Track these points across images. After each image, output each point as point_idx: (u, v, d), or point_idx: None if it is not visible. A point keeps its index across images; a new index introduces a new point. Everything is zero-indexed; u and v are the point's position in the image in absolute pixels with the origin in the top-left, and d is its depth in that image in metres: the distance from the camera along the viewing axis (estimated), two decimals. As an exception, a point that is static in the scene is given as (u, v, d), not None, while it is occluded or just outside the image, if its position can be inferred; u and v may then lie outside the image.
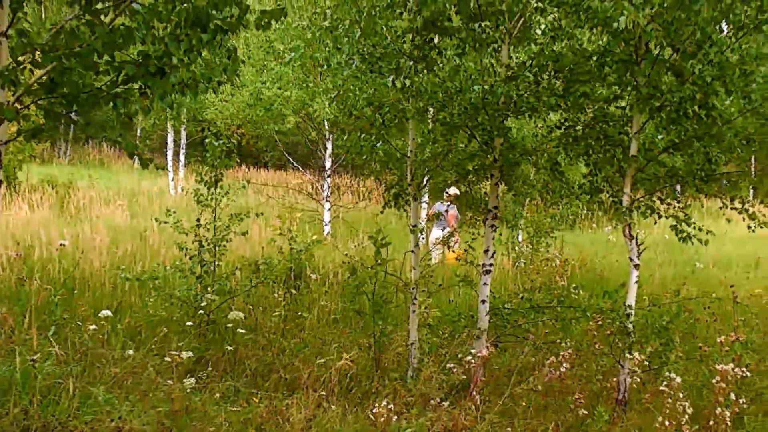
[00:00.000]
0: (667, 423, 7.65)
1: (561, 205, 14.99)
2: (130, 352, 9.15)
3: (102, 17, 6.18)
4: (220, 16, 6.56)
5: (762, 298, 13.55)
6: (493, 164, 9.33)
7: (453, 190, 15.68)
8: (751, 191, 35.02)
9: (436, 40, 9.23)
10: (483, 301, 9.54)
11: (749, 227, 9.50)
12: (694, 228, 9.48)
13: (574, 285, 13.44)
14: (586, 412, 8.25)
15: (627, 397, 8.98)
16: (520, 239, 16.79)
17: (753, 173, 38.26)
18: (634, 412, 8.61)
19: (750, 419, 8.35)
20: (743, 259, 19.22)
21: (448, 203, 16.95)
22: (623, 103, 9.44)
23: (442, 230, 17.17)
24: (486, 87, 8.36)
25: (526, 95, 8.80)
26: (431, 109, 9.65)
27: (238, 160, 28.36)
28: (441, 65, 9.16)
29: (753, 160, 37.87)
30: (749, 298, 13.48)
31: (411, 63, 9.04)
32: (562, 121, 9.67)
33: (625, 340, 9.09)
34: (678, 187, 15.58)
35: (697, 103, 8.72)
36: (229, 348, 9.79)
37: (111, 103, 6.36)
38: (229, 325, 10.17)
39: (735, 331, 10.65)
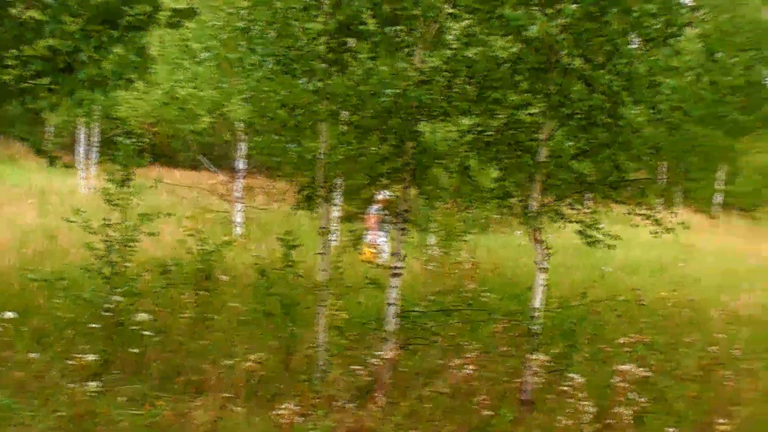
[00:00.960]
0: (569, 423, 7.77)
1: (473, 208, 15.11)
2: (35, 355, 8.98)
3: (11, 9, 6.07)
4: (132, 13, 6.49)
5: (668, 301, 13.87)
6: (404, 168, 9.37)
7: (383, 195, 15.68)
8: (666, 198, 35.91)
9: (350, 44, 9.26)
10: (391, 304, 9.58)
11: (652, 232, 9.76)
12: (601, 233, 9.69)
13: (484, 288, 13.56)
14: (491, 413, 8.35)
15: (532, 398, 9.10)
16: (431, 242, 16.88)
17: (664, 181, 39.27)
18: (538, 413, 8.72)
19: (652, 418, 8.52)
20: (650, 264, 19.67)
21: (379, 207, 16.97)
22: (534, 110, 9.60)
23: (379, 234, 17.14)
24: (398, 91, 8.40)
25: (438, 100, 8.87)
26: (345, 112, 9.66)
27: (151, 159, 27.98)
28: (354, 68, 9.17)
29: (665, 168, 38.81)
30: (655, 300, 13.82)
31: (325, 66, 9.06)
32: (474, 126, 9.79)
33: (530, 341, 9.23)
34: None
35: (606, 112, 8.93)
36: (136, 351, 9.65)
37: (19, 98, 6.24)
38: (136, 327, 10.03)
39: (640, 332, 10.93)
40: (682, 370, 10.06)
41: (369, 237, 17.06)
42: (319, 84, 8.78)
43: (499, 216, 21.15)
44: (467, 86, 9.12)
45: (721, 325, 12.57)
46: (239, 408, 8.28)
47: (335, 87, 8.67)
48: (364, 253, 16.45)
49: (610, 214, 11.97)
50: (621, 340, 10.05)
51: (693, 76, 9.49)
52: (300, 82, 8.91)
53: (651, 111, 9.13)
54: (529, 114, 9.68)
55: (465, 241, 16.47)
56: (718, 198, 40.62)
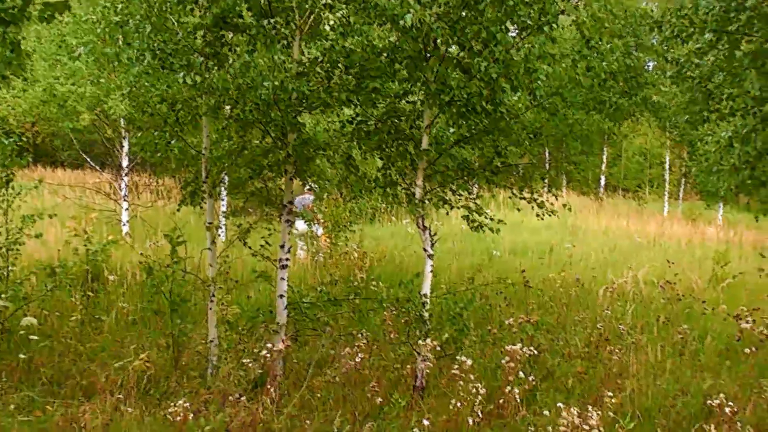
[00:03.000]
0: (459, 405, 7.88)
1: (359, 199, 15.15)
2: None
3: None
4: (2, 7, 6.32)
5: (555, 282, 14.16)
6: (287, 159, 9.36)
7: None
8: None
9: (227, 37, 9.20)
10: (281, 296, 9.57)
11: (537, 215, 9.97)
12: (486, 217, 9.84)
13: (373, 277, 13.65)
14: (383, 400, 8.42)
15: (424, 383, 9.19)
16: (319, 234, 16.86)
17: (548, 165, 39.99)
18: (431, 398, 8.82)
19: (542, 395, 8.71)
20: (539, 246, 19.98)
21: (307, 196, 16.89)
22: (414, 99, 9.68)
23: (305, 224, 16.95)
24: (276, 83, 8.37)
25: (317, 91, 8.87)
26: (227, 106, 9.59)
27: (33, 159, 27.31)
28: (232, 61, 9.11)
29: (547, 154, 39.54)
30: (543, 282, 14.09)
31: (202, 59, 8.97)
32: (354, 116, 9.83)
33: (420, 327, 9.32)
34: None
35: (485, 98, 9.03)
36: (23, 356, 9.44)
37: None
38: (23, 332, 9.81)
39: (528, 313, 11.14)
40: (571, 348, 10.30)
41: (300, 226, 16.97)
42: (198, 78, 8.68)
43: (386, 205, 21.29)
44: (346, 76, 9.14)
45: (607, 303, 12.87)
46: (131, 409, 8.16)
47: (214, 81, 8.58)
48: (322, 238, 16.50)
49: (498, 199, 12.19)
50: (509, 321, 10.25)
51: (569, 62, 9.66)
52: (178, 76, 8.79)
53: (529, 97, 9.29)
54: (409, 102, 9.76)
55: (353, 231, 16.51)
56: (603, 181, 41.57)
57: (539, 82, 9.09)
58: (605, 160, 41.84)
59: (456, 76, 9.09)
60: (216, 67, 8.99)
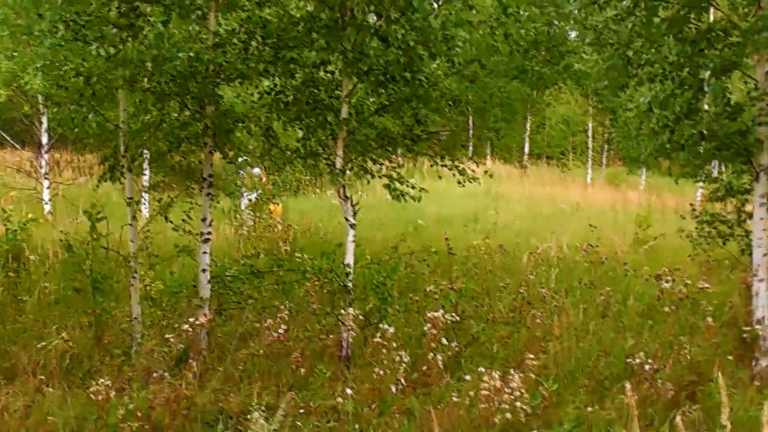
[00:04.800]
0: (383, 373, 7.90)
1: (281, 171, 15.07)
2: None
3: None
4: None
5: (480, 249, 14.26)
6: (205, 132, 9.25)
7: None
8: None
9: (142, 8, 9.05)
10: (204, 270, 9.50)
11: (459, 183, 10.03)
12: (407, 186, 9.86)
13: (297, 249, 13.60)
14: (306, 371, 8.41)
15: (349, 354, 9.21)
16: (243, 207, 16.74)
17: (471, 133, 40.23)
18: (357, 368, 8.83)
19: (466, 361, 8.77)
20: (463, 215, 20.09)
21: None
22: (332, 68, 9.64)
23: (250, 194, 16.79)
24: (192, 54, 8.27)
25: (234, 62, 8.78)
26: (144, 79, 9.43)
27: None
28: (147, 33, 8.97)
29: (471, 122, 39.76)
30: (468, 250, 14.18)
31: (116, 31, 8.82)
32: (273, 86, 9.75)
33: (344, 297, 9.34)
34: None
35: (403, 66, 9.03)
36: (-59, 343, 9.24)
37: None
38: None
39: (453, 281, 11.22)
40: (495, 314, 10.39)
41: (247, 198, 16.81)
42: (112, 50, 8.53)
43: (310, 177, 21.21)
44: (263, 47, 9.06)
45: (531, 268, 13.01)
46: (53, 390, 8.04)
47: (129, 53, 8.44)
48: (273, 211, 16.35)
49: (422, 169, 12.20)
50: (429, 288, 10.29)
51: (487, 29, 9.69)
52: (92, 48, 8.62)
53: (447, 64, 9.31)
54: (328, 72, 9.72)
55: (276, 203, 16.44)
56: (527, 148, 41.95)
57: (457, 49, 9.12)
58: (529, 129, 42.19)
59: (374, 44, 9.08)
60: (130, 39, 8.84)
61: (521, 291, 11.02)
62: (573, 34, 38.21)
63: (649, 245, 15.16)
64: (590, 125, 39.39)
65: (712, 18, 10.72)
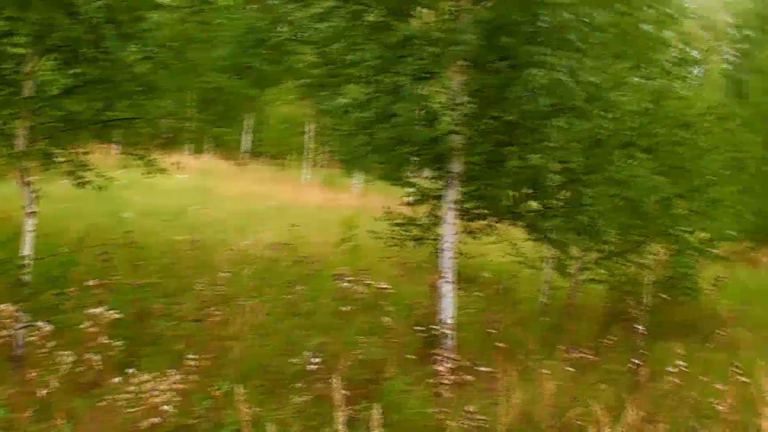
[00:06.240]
0: (35, 374, 7.29)
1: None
2: None
3: None
4: None
5: (181, 245, 13.86)
6: None
7: None
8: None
9: None
10: None
11: (143, 174, 9.64)
12: (93, 174, 9.35)
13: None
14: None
15: (23, 353, 8.47)
16: None
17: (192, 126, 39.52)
18: (31, 368, 8.14)
19: (147, 360, 8.25)
20: (171, 209, 19.61)
21: None
22: (19, 41, 8.93)
23: None
24: None
25: None
26: None
27: None
28: None
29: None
30: (169, 245, 13.73)
31: None
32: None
33: (20, 292, 8.65)
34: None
35: (91, 45, 8.51)
36: None
37: None
38: None
39: (149, 275, 10.76)
40: (184, 311, 10.02)
41: None
42: None
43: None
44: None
45: (228, 265, 12.73)
46: None
47: None
48: None
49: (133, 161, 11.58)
50: (89, 283, 9.62)
51: (184, 14, 9.34)
52: None
53: (137, 47, 8.89)
54: (13, 45, 8.98)
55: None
56: (247, 146, 41.76)
57: (154, 33, 8.74)
58: (250, 126, 42.01)
59: (65, 20, 8.48)
60: None
61: (216, 288, 10.71)
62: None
63: (351, 246, 15.29)
64: (309, 126, 39.67)
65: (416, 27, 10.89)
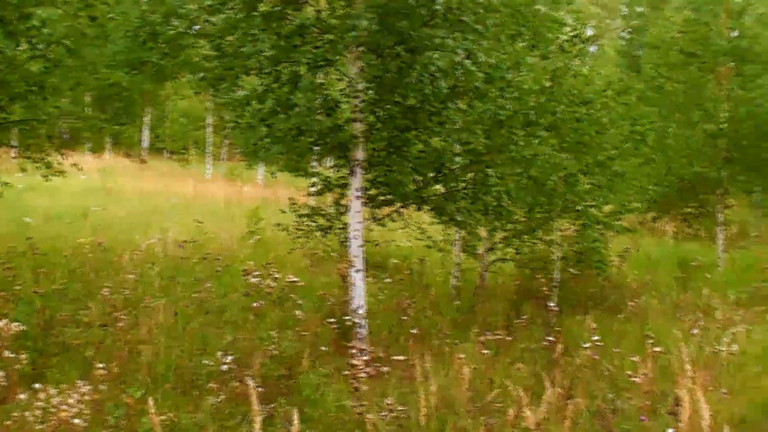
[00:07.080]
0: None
1: None
2: None
3: None
4: None
5: (85, 248, 13.52)
6: None
7: None
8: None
9: None
10: None
11: (43, 177, 9.37)
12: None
13: None
14: None
15: None
16: None
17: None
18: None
19: (55, 371, 8.01)
20: (76, 211, 19.15)
21: None
22: None
23: None
24: None
25: None
26: None
27: None
28: None
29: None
30: (73, 249, 13.38)
31: None
32: None
33: None
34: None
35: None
36: None
37: None
38: None
39: (53, 282, 10.45)
40: (92, 317, 9.75)
41: None
42: None
43: None
44: None
45: (133, 266, 12.45)
46: None
47: None
48: None
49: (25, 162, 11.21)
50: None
51: (74, 9, 9.07)
52: None
53: (27, 45, 8.63)
54: None
55: None
56: (147, 142, 41.09)
57: (42, 30, 8.48)
58: (148, 122, 41.33)
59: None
60: None
61: (123, 290, 10.45)
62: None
63: (257, 239, 15.15)
64: (209, 119, 39.18)
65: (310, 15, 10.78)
